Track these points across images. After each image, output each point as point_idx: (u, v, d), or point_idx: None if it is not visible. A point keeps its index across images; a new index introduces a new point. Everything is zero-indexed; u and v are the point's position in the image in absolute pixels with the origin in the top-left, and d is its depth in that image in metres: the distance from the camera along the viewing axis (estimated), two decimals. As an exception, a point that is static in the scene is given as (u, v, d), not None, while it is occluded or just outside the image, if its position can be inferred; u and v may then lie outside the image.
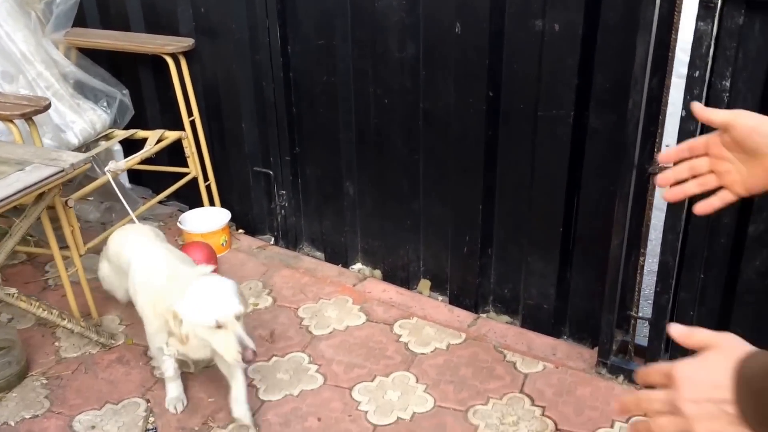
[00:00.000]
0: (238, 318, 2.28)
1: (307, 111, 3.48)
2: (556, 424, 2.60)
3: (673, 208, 2.47)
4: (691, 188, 1.25)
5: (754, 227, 2.39)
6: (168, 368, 2.65)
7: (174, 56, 3.55)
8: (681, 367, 0.98)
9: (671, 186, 1.27)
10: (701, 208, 1.25)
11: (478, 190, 3.03)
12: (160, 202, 3.98)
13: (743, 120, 1.17)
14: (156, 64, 3.74)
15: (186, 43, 3.55)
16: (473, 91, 2.87)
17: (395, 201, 3.33)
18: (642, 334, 2.81)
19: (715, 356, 0.97)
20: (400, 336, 3.08)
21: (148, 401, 2.74)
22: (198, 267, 2.62)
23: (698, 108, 1.25)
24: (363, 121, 3.25)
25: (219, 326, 2.26)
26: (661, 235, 2.55)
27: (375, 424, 2.62)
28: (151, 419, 2.65)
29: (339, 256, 3.69)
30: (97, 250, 3.45)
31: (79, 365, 2.93)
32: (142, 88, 3.97)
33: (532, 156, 2.84)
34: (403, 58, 3.02)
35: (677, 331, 1.03)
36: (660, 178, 1.28)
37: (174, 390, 2.70)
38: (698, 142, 1.24)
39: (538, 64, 2.69)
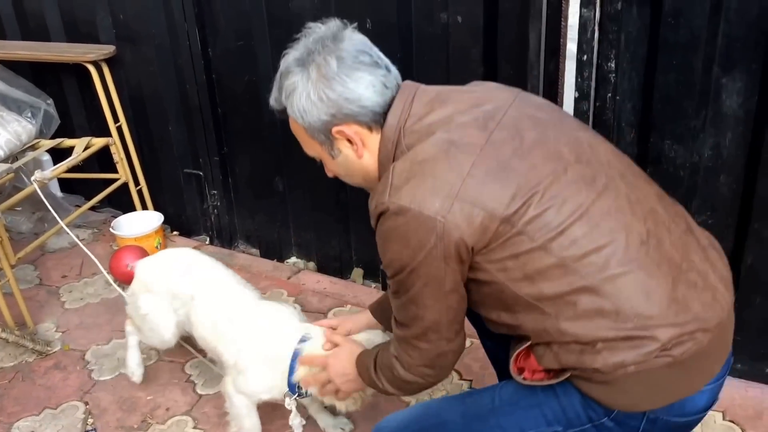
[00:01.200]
0: None
1: (231, 111, 3.56)
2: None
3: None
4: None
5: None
6: (253, 427, 2.43)
7: (96, 64, 3.60)
8: (330, 360, 2.08)
9: None
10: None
11: (400, 179, 3.14)
12: (93, 209, 4.03)
13: (347, 344, 2.12)
14: (79, 72, 3.78)
15: (107, 50, 3.61)
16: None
17: (324, 193, 3.43)
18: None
19: (344, 352, 2.07)
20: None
21: (86, 404, 2.81)
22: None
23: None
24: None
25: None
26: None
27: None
28: (90, 420, 2.72)
29: (274, 251, 3.78)
30: (30, 260, 3.50)
31: (16, 374, 2.98)
32: (67, 97, 4.01)
33: (447, 143, 2.97)
34: (319, 55, 3.12)
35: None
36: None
37: None
38: (319, 359, 2.15)
39: (446, 54, 2.81)
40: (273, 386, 2.29)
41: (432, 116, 1.62)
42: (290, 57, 1.67)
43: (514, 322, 1.60)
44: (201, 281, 2.53)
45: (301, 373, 2.20)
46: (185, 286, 2.52)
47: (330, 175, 1.84)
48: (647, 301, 1.50)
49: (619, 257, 1.50)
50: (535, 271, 1.51)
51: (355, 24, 1.72)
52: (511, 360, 1.64)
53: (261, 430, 2.44)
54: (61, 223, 3.23)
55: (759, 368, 2.67)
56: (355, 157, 1.70)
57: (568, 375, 1.56)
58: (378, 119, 1.64)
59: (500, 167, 1.52)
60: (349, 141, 1.67)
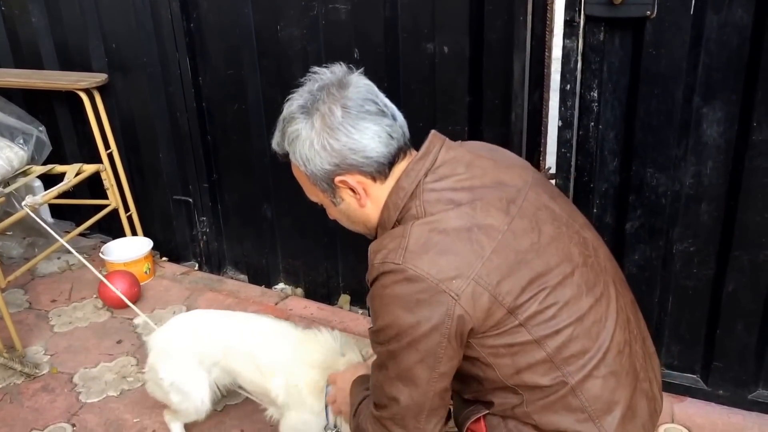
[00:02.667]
0: None
1: (221, 139, 3.60)
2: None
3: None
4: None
5: (630, 224, 2.60)
6: None
7: (88, 92, 3.65)
8: (338, 378, 2.11)
9: None
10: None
11: (388, 206, 3.19)
12: (83, 235, 4.05)
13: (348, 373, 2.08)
14: (71, 100, 3.83)
15: (99, 78, 3.65)
16: (376, 113, 3.03)
17: (312, 220, 3.46)
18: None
19: (348, 373, 2.07)
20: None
21: (73, 426, 2.81)
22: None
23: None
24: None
25: None
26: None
27: None
28: (77, 442, 2.73)
29: (262, 278, 3.81)
30: (20, 284, 3.51)
31: (4, 396, 2.98)
32: (59, 124, 4.06)
33: (434, 170, 3.01)
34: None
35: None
36: None
37: None
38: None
39: (432, 84, 2.86)
40: (322, 418, 2.22)
41: (457, 181, 1.59)
42: (294, 103, 1.63)
43: (481, 395, 1.63)
44: (229, 330, 2.46)
45: (329, 391, 2.17)
46: (214, 341, 2.44)
47: (331, 218, 1.81)
48: (609, 406, 1.56)
49: (599, 362, 1.55)
50: (524, 363, 1.53)
51: (362, 69, 1.68)
52: (468, 423, 1.65)
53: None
54: (62, 241, 3.22)
55: (741, 395, 2.70)
56: (357, 205, 1.66)
57: None
58: (383, 170, 1.61)
59: (517, 259, 1.51)
60: (352, 190, 1.63)
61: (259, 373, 2.34)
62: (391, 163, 1.61)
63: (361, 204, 1.65)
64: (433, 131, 1.69)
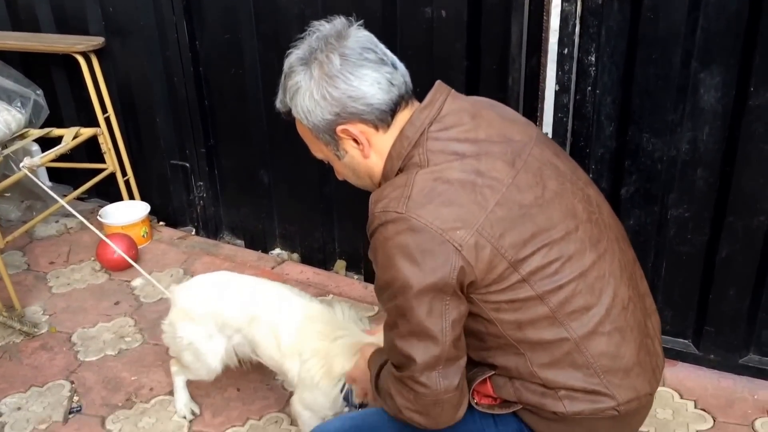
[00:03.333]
0: None
1: (218, 104, 3.61)
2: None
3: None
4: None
5: (626, 189, 2.62)
6: None
7: (85, 55, 3.65)
8: (354, 372, 2.07)
9: None
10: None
11: (384, 172, 3.20)
12: (81, 199, 4.06)
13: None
14: (68, 63, 3.82)
15: (96, 42, 3.65)
16: (373, 77, 3.04)
17: (308, 186, 3.48)
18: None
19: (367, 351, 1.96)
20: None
21: (72, 383, 2.85)
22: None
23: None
24: (272, 110, 3.34)
25: None
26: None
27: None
28: (76, 398, 2.76)
29: (258, 243, 3.82)
30: (18, 246, 3.53)
31: (4, 353, 3.02)
32: (56, 88, 4.05)
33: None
34: (306, 48, 3.17)
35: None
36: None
37: None
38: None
39: (430, 48, 2.87)
40: (335, 402, 2.19)
41: (461, 132, 1.57)
42: (293, 56, 1.62)
43: (484, 354, 1.62)
44: (258, 300, 2.42)
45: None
46: (241, 310, 2.40)
47: (340, 177, 1.79)
48: (616, 363, 1.57)
49: (603, 319, 1.56)
50: (527, 319, 1.53)
51: (361, 21, 1.67)
52: (474, 384, 1.63)
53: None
54: (62, 202, 3.24)
55: (732, 359, 2.74)
56: (361, 157, 1.64)
57: (518, 408, 1.61)
58: (385, 118, 1.58)
59: (520, 213, 1.50)
60: (355, 141, 1.61)
61: (279, 352, 2.32)
62: (393, 110, 1.58)
63: (365, 155, 1.63)
64: (438, 81, 1.67)
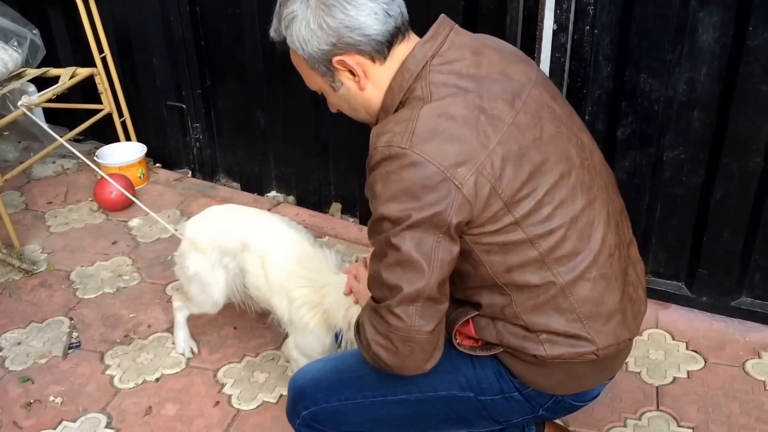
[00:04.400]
0: None
1: (215, 44, 3.58)
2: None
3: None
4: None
5: (622, 131, 2.62)
6: None
7: (82, -7, 3.61)
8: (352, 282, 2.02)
9: None
10: None
11: (382, 113, 3.20)
12: (77, 140, 4.06)
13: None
14: (65, 2, 3.78)
15: (93, -20, 3.61)
16: (372, 17, 3.01)
17: (304, 129, 3.48)
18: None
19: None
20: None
21: (71, 319, 2.89)
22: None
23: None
24: (269, 52, 3.37)
25: None
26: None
27: (288, 330, 2.82)
28: (75, 334, 2.80)
29: (254, 185, 3.83)
30: (16, 186, 3.54)
31: (3, 290, 3.05)
32: (53, 28, 4.02)
33: (429, 77, 3.01)
34: (305, -12, 3.14)
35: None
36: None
37: None
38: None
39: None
40: (326, 345, 2.22)
41: (463, 66, 1.56)
42: None
43: (469, 293, 1.64)
44: (250, 231, 2.43)
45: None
46: (234, 238, 2.43)
47: (333, 110, 1.77)
48: (599, 309, 1.59)
49: (590, 265, 1.57)
50: (516, 262, 1.54)
51: None
52: (456, 325, 1.64)
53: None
54: (60, 140, 3.24)
55: (724, 302, 2.77)
56: (357, 89, 1.62)
57: (499, 351, 1.64)
58: (381, 49, 1.55)
59: (519, 154, 1.50)
60: (351, 72, 1.59)
61: (267, 285, 2.33)
62: (390, 42, 1.56)
63: (361, 87, 1.62)
64: (442, 15, 1.65)
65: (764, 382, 2.52)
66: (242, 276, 2.44)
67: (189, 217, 3.37)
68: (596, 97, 2.62)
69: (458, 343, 1.66)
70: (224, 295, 2.52)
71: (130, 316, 2.90)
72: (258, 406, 2.48)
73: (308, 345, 2.26)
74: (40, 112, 4.02)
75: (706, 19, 2.35)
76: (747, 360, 2.60)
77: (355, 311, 2.03)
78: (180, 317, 2.70)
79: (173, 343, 2.73)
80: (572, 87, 2.63)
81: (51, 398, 2.52)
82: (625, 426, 2.34)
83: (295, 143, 3.57)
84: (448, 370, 1.68)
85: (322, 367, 1.83)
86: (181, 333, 2.72)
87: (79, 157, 3.23)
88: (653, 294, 2.84)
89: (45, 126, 3.22)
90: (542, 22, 2.58)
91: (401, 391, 1.72)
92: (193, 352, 2.71)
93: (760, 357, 2.62)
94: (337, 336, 2.18)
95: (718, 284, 2.75)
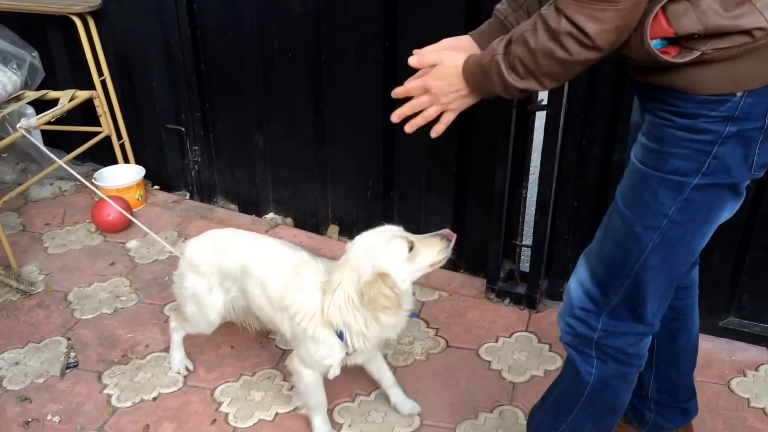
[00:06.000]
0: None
1: (215, 68, 3.63)
2: (447, 342, 2.88)
3: (547, 142, 2.73)
4: (418, 121, 1.73)
5: (618, 155, 2.66)
6: (320, 403, 2.43)
7: (82, 17, 3.66)
8: (429, 80, 1.67)
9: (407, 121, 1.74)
10: (433, 133, 1.73)
11: (379, 137, 3.24)
12: (75, 163, 4.09)
13: (446, 58, 1.66)
14: (64, 25, 3.83)
15: (93, 2, 3.66)
16: (371, 41, 3.08)
17: (303, 151, 3.52)
18: (528, 261, 3.07)
19: (446, 69, 1.65)
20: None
21: (69, 339, 2.90)
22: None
23: (412, 58, 1.71)
24: (269, 75, 3.42)
25: (411, 247, 2.14)
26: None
27: (283, 349, 2.83)
28: (73, 354, 2.81)
29: (252, 207, 3.86)
30: (13, 208, 3.56)
31: (1, 311, 3.07)
32: (52, 50, 4.05)
33: (425, 101, 3.06)
34: (304, 12, 3.19)
35: (412, 59, 1.71)
36: (394, 116, 1.75)
37: (324, 425, 2.45)
38: (417, 84, 1.69)
39: (429, 11, 2.89)
40: (333, 348, 2.23)
41: None
42: None
43: None
44: (249, 253, 2.45)
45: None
46: (234, 261, 2.45)
47: None
48: None
49: None
50: None
51: None
52: (648, 21, 1.39)
53: (326, 405, 2.45)
54: (59, 162, 3.28)
55: (712, 322, 2.81)
56: None
57: (698, 53, 1.39)
58: None
59: None
60: None
61: (268, 303, 2.36)
62: None
63: None
64: None
65: (748, 399, 2.57)
66: (245, 298, 2.47)
67: (186, 239, 3.41)
68: (593, 121, 2.69)
69: (661, 53, 1.41)
70: (220, 316, 2.55)
71: (128, 336, 2.92)
72: (254, 424, 2.50)
73: (317, 353, 2.25)
74: (38, 134, 4.05)
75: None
76: (732, 378, 2.66)
77: (350, 314, 2.12)
78: (176, 337, 2.73)
79: (170, 363, 2.75)
80: (570, 112, 2.68)
81: (49, 417, 2.53)
82: (618, 446, 2.37)
83: (293, 165, 3.60)
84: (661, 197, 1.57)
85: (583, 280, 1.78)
86: (177, 353, 2.75)
87: (77, 179, 3.25)
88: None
89: (43, 148, 3.24)
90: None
91: (651, 223, 1.60)
92: (188, 370, 2.74)
93: (745, 375, 2.67)
94: (341, 335, 2.19)
95: (708, 305, 2.76)
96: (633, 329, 1.77)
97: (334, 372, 2.30)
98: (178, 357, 2.75)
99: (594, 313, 1.77)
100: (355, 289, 2.11)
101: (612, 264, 1.71)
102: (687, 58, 1.40)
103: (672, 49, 1.42)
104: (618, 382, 1.87)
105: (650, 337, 1.83)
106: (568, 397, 1.93)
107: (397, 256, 2.12)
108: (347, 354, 2.26)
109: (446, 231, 2.21)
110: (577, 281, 1.80)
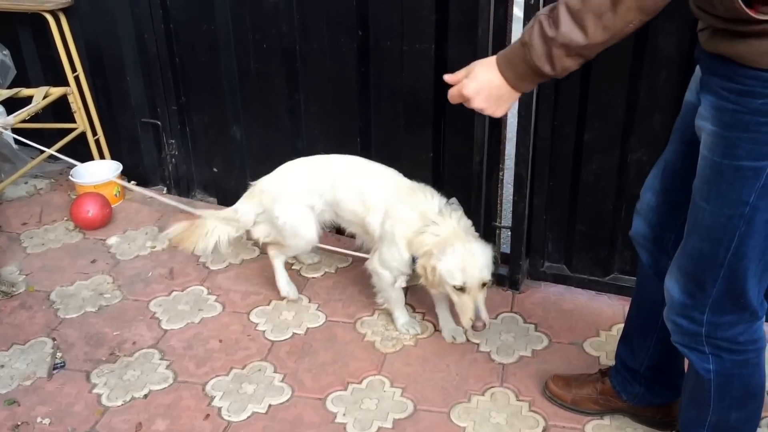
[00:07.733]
0: (483, 285, 2.50)
1: (189, 60, 3.61)
2: (435, 326, 2.93)
3: (522, 124, 2.76)
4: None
5: (589, 134, 2.71)
6: (398, 298, 2.88)
7: (53, 13, 3.63)
8: (468, 86, 1.74)
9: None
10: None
11: (356, 124, 3.26)
12: (50, 160, 4.06)
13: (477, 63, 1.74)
14: (35, 22, 3.80)
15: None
16: (344, 31, 3.08)
17: (280, 141, 3.52)
18: (508, 242, 3.11)
19: (480, 72, 1.73)
20: (292, 264, 3.31)
21: (54, 339, 2.89)
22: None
23: (447, 77, 1.81)
24: (244, 66, 3.41)
25: (463, 289, 2.48)
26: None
27: (272, 340, 2.87)
28: (59, 354, 2.81)
29: (231, 199, 3.81)
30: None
31: (-17, 313, 3.05)
32: (23, 48, 4.01)
33: (401, 89, 3.08)
34: (277, 3, 3.19)
35: (447, 77, 1.81)
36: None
37: (403, 316, 2.90)
38: (454, 91, 1.79)
39: (400, 2, 2.90)
40: (403, 263, 2.67)
41: None
42: None
43: None
44: (335, 167, 2.88)
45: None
46: (324, 175, 2.85)
47: None
48: None
49: None
50: None
51: None
52: None
53: (404, 300, 2.91)
54: (50, 151, 3.27)
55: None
56: None
57: None
58: None
59: None
60: None
61: (363, 206, 2.74)
62: None
63: None
64: None
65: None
66: (335, 207, 2.85)
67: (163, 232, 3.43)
68: (564, 102, 2.72)
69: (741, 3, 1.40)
70: (316, 232, 2.90)
71: (114, 333, 2.92)
72: (248, 417, 2.51)
73: (391, 256, 2.68)
74: (8, 132, 4.02)
75: (665, 26, 2.46)
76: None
77: (428, 258, 2.52)
78: (278, 264, 3.06)
79: (159, 360, 2.77)
80: (542, 93, 2.71)
81: (39, 419, 2.53)
82: (602, 419, 2.43)
83: (271, 156, 3.58)
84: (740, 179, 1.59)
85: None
86: (282, 277, 3.07)
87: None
88: (622, 290, 2.96)
89: (26, 141, 3.22)
90: (511, 34, 2.67)
91: (734, 212, 1.62)
92: (295, 295, 3.06)
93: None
94: (414, 258, 2.61)
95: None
96: (740, 318, 1.78)
97: (400, 283, 2.77)
98: (283, 281, 3.06)
99: (695, 308, 1.78)
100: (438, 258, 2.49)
101: (701, 257, 1.72)
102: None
103: (754, 9, 1.40)
104: (741, 370, 1.86)
105: (762, 320, 1.81)
106: (700, 394, 1.93)
107: (455, 275, 2.47)
108: (409, 275, 2.70)
109: (481, 324, 2.49)
110: (673, 279, 1.82)
